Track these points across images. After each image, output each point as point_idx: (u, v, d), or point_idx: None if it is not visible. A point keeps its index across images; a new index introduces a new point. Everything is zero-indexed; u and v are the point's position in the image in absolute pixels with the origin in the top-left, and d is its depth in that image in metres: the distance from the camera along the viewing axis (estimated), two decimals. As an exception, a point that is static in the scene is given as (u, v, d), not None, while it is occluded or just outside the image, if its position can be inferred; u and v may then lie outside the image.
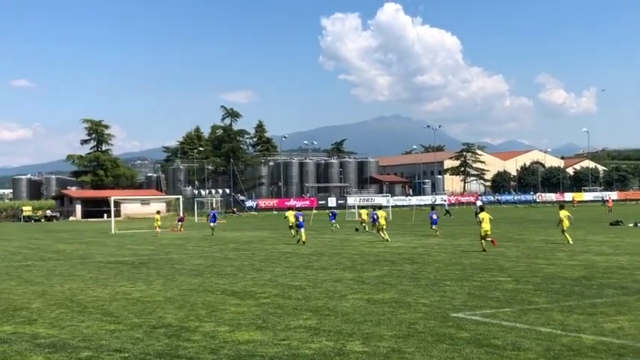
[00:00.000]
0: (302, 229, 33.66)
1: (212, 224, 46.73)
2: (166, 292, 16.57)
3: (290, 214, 37.31)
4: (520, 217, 67.63)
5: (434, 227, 37.87)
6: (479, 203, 68.95)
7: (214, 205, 55.34)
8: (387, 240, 33.58)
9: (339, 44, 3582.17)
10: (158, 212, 50.70)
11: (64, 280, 19.98)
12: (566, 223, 30.64)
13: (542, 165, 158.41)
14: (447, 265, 21.77)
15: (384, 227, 35.03)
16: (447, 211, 72.64)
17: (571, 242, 29.30)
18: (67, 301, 15.62)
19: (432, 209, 41.44)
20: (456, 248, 28.51)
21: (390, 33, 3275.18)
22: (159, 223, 47.32)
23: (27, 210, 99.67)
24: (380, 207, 37.69)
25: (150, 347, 10.50)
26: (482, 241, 27.45)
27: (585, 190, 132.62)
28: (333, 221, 47.53)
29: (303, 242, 32.63)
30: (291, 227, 37.72)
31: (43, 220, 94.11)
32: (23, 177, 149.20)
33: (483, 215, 27.87)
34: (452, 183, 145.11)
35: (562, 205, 34.31)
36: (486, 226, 27.39)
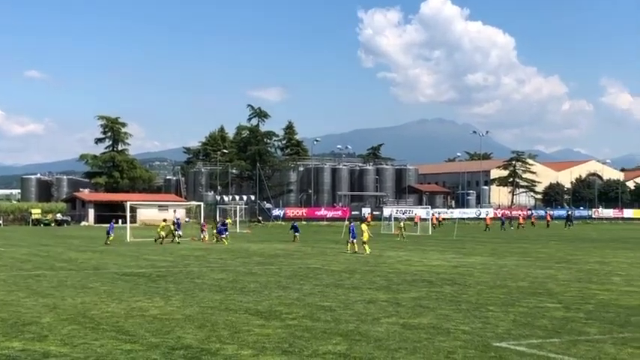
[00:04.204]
0: (354, 240, 38.29)
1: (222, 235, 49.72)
2: (185, 310, 16.84)
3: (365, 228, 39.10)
4: (573, 235, 67.10)
5: (353, 241, 38.37)
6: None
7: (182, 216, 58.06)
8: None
9: (380, 38, 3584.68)
10: (165, 220, 52.23)
11: (76, 292, 20.36)
12: (366, 236, 37.25)
13: (600, 177, 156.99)
14: (491, 287, 21.79)
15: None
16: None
17: (368, 252, 36.31)
18: (80, 316, 15.95)
19: (351, 222, 42.75)
20: (501, 269, 28.46)
21: (435, 27, 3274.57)
22: (161, 231, 49.16)
23: (36, 213, 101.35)
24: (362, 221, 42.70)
25: (168, 370, 10.74)
26: (365, 245, 36.75)
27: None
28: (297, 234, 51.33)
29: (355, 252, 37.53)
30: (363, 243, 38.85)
31: (53, 225, 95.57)
32: (32, 176, 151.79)
33: (364, 226, 37.84)
34: (499, 195, 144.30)
35: (363, 220, 44.06)
36: (366, 235, 37.22)
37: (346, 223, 50.24)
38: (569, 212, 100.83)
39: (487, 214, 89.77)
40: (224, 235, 49.04)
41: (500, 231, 74.85)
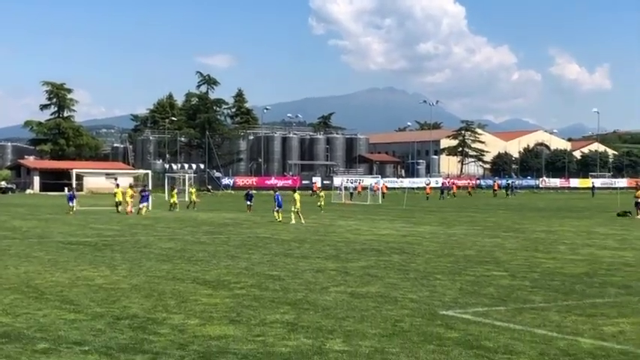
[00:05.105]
0: (279, 209, 37.93)
1: (142, 205, 45.94)
2: (132, 279, 16.69)
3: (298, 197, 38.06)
4: (520, 204, 68.14)
5: (278, 211, 38.08)
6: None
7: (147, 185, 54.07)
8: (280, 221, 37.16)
9: (331, 5, 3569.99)
10: (131, 186, 50.80)
11: (19, 261, 20.05)
12: (298, 205, 37.28)
13: (547, 147, 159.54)
14: (439, 256, 22.02)
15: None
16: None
17: (303, 222, 36.29)
18: (23, 285, 15.70)
19: (275, 191, 42.11)
20: (449, 238, 28.78)
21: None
22: (128, 198, 46.92)
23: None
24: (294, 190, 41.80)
25: (113, 340, 10.62)
26: (295, 214, 36.80)
27: (592, 176, 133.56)
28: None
29: (279, 221, 37.04)
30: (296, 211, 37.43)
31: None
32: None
33: (297, 195, 37.96)
34: (448, 164, 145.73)
35: (294, 189, 45.94)
36: (298, 204, 37.22)
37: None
38: (509, 182, 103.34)
39: (428, 184, 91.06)
40: (143, 205, 46.03)
41: (439, 200, 76.03)
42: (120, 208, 46.66)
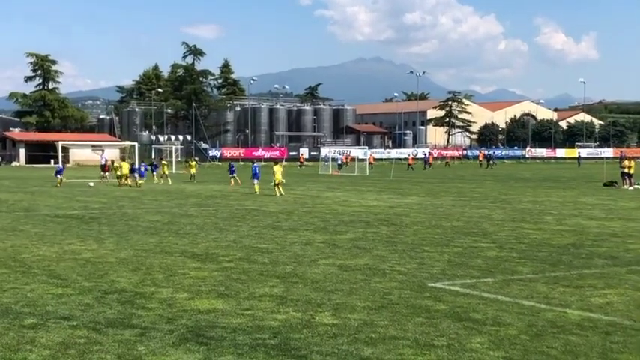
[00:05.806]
0: (256, 181, 37.93)
1: (142, 179, 45.44)
2: (119, 253, 16.64)
3: (277, 169, 37.06)
4: (507, 174, 68.32)
5: (255, 182, 37.86)
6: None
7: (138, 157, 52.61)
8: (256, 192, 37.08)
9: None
10: (124, 160, 50.24)
11: (6, 235, 19.94)
12: (278, 177, 36.13)
13: (534, 117, 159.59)
14: (427, 227, 22.06)
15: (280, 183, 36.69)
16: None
17: (282, 194, 35.55)
18: (10, 260, 15.62)
19: (253, 163, 41.76)
20: (437, 209, 28.83)
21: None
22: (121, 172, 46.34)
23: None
24: (276, 162, 40.70)
25: (101, 315, 10.59)
26: (275, 187, 35.88)
27: (579, 146, 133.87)
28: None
29: (256, 192, 37.00)
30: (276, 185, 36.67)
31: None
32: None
33: (276, 168, 36.60)
34: (435, 135, 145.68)
35: (276, 161, 44.93)
36: (278, 175, 35.90)
37: (282, 163, 49.29)
38: (490, 153, 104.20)
39: (410, 155, 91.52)
40: (140, 178, 45.05)
41: (424, 170, 76.83)
42: (129, 181, 45.60)
